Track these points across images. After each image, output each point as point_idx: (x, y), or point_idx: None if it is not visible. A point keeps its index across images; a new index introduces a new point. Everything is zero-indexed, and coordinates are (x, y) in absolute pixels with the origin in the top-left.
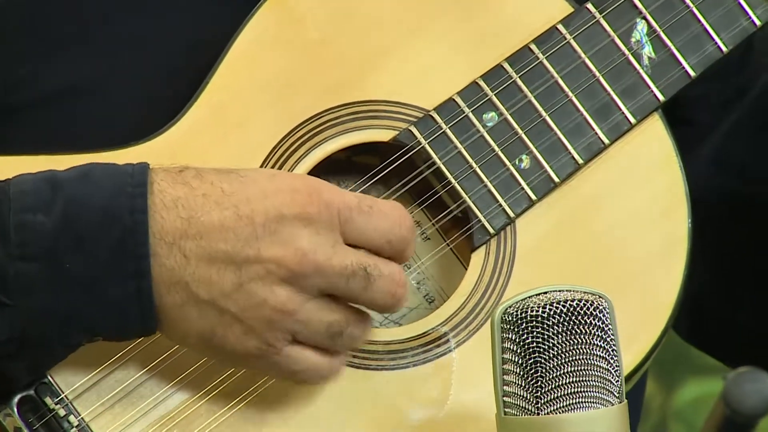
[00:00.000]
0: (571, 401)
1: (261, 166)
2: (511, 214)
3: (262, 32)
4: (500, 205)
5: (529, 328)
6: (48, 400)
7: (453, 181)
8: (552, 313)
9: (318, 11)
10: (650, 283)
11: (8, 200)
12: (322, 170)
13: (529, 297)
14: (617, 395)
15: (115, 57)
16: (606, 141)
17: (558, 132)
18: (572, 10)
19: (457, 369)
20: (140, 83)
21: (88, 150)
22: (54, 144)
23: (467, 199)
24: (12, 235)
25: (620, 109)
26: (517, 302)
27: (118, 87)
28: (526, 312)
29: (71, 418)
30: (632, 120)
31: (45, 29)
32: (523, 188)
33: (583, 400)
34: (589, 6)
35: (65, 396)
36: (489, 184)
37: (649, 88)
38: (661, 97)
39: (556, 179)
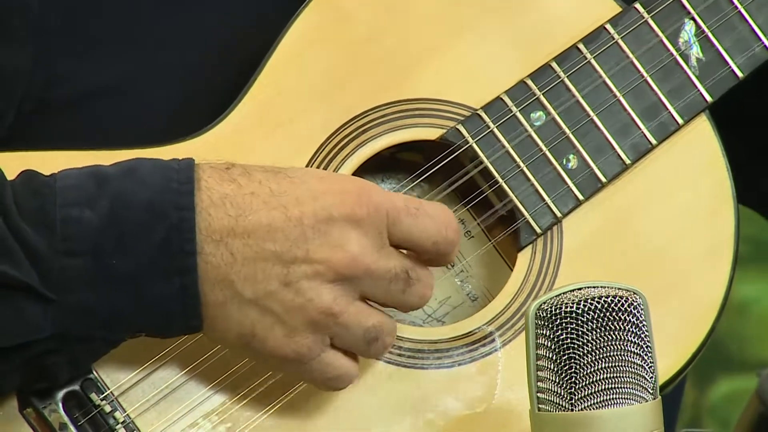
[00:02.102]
0: (605, 397)
1: (307, 164)
2: (558, 214)
3: (309, 29)
4: (547, 205)
5: (564, 324)
6: (93, 396)
7: (500, 180)
8: (586, 309)
9: (365, 8)
10: (697, 284)
11: (54, 194)
12: (365, 166)
13: (564, 293)
14: (651, 392)
15: (153, 55)
16: (653, 141)
17: (605, 132)
18: (620, 9)
19: (502, 368)
20: (177, 82)
21: (132, 146)
22: (91, 141)
23: (514, 198)
24: (58, 229)
25: (668, 110)
26: (551, 298)
27: (155, 85)
28: (561, 308)
29: (117, 414)
30: (679, 120)
31: (85, 27)
32: (570, 188)
33: (617, 397)
34: (638, 6)
35: (111, 392)
36: (536, 183)
37: (697, 88)
38: (708, 98)
39: (603, 179)
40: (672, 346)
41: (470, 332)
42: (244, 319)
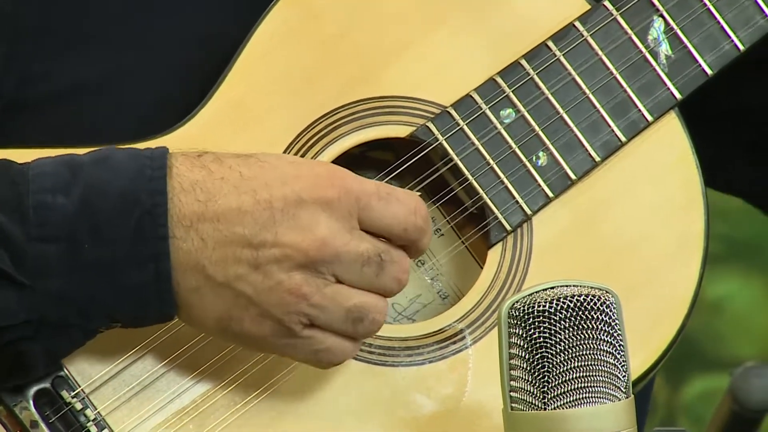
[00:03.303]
0: (577, 396)
1: None
2: (528, 211)
3: (279, 26)
4: (517, 202)
5: (536, 323)
6: (65, 394)
7: (470, 177)
8: (559, 308)
9: (336, 6)
10: (667, 280)
11: (27, 182)
12: (336, 164)
13: (536, 292)
14: (624, 390)
15: (127, 54)
16: (623, 138)
17: (575, 129)
18: (590, 7)
19: (473, 366)
20: (152, 80)
21: (104, 144)
22: (67, 139)
23: (484, 195)
24: (31, 215)
25: (637, 107)
26: (523, 297)
27: (130, 84)
28: (533, 307)
29: (88, 411)
30: (649, 118)
31: (61, 26)
32: (539, 185)
33: (590, 395)
34: (607, 3)
35: (82, 390)
36: (506, 180)
37: (666, 85)
38: (678, 95)
39: (573, 176)
40: (643, 344)
41: (441, 329)
42: (219, 303)
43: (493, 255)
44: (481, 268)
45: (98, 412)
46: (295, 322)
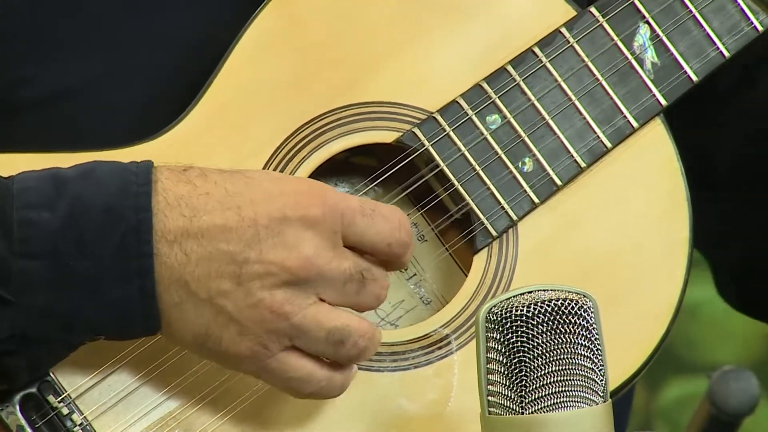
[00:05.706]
0: (555, 401)
1: (264, 166)
2: (514, 217)
3: (265, 33)
4: (503, 208)
5: (514, 328)
6: (51, 399)
7: (456, 183)
8: (537, 312)
9: (322, 13)
10: (652, 287)
11: (11, 197)
12: (320, 170)
13: (514, 296)
14: (601, 395)
15: (116, 57)
16: (608, 145)
17: (561, 135)
18: (575, 13)
19: (458, 371)
20: (141, 84)
21: (91, 149)
22: (55, 143)
23: (470, 201)
24: (15, 231)
25: (623, 113)
26: (501, 301)
27: (119, 87)
28: (511, 311)
29: (74, 416)
30: (635, 124)
31: (48, 30)
32: (525, 191)
33: (568, 400)
34: (593, 10)
35: (68, 394)
36: (492, 186)
37: (652, 92)
38: (663, 102)
39: (559, 182)
40: (627, 350)
41: (426, 335)
42: (199, 319)
43: (479, 261)
44: (465, 273)
45: (84, 417)
46: (273, 341)
